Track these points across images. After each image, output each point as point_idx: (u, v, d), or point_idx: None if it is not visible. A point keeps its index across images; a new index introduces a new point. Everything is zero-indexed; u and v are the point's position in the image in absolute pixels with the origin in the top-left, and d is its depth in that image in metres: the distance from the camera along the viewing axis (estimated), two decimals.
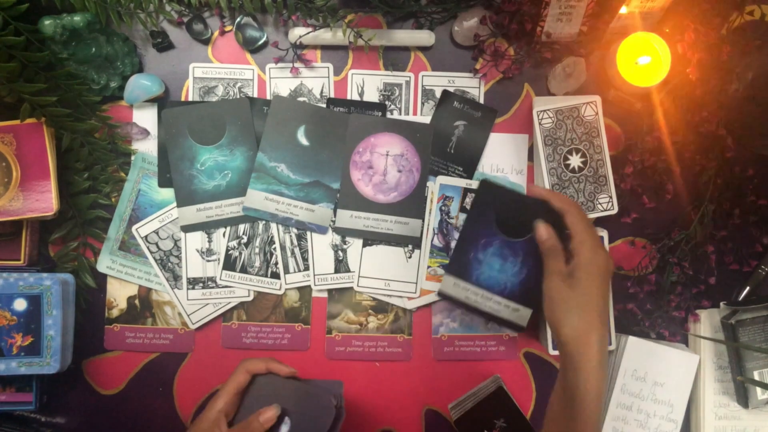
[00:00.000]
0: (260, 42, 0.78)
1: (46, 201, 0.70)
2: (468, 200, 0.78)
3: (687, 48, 0.75)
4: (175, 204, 0.77)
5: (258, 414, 0.63)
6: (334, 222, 0.78)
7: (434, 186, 0.78)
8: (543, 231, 0.65)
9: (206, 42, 0.79)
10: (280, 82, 0.79)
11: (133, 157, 0.78)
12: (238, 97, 0.78)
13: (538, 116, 0.76)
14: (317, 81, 0.79)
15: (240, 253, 0.78)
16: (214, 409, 0.63)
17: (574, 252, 0.61)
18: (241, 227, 0.78)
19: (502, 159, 0.80)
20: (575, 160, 0.76)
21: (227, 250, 0.77)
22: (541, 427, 0.65)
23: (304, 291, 0.79)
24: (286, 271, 0.78)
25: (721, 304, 0.79)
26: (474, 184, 0.78)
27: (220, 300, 0.78)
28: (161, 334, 0.78)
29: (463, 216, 0.78)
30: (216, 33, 0.79)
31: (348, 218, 0.78)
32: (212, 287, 0.77)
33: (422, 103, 0.80)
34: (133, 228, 0.77)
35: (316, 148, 0.77)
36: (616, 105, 0.80)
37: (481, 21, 0.77)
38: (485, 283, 0.69)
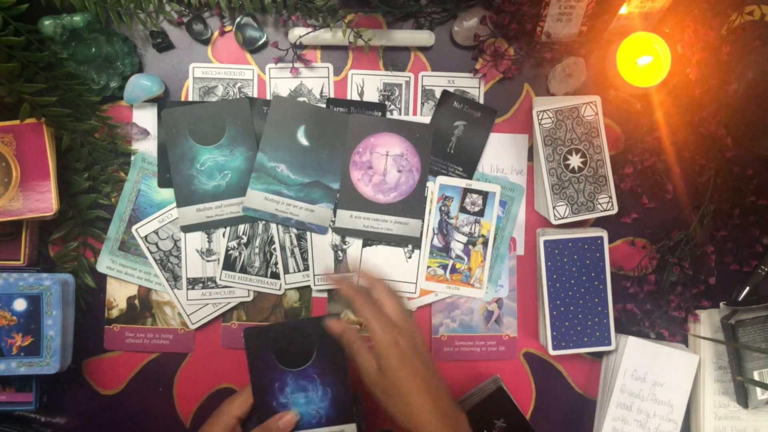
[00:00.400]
0: (260, 42, 0.78)
1: (46, 201, 0.70)
2: (468, 201, 0.78)
3: (687, 48, 0.75)
4: (174, 204, 0.77)
5: (277, 417, 0.63)
6: (334, 222, 0.78)
7: (434, 186, 0.78)
8: (335, 325, 0.63)
9: (206, 42, 0.79)
10: (280, 82, 0.79)
11: (133, 157, 0.78)
12: (238, 97, 0.78)
13: (537, 116, 0.76)
14: (317, 81, 0.79)
15: (240, 254, 0.78)
16: (230, 414, 0.63)
17: (372, 339, 0.60)
18: (241, 227, 0.78)
19: (502, 159, 0.80)
20: (575, 160, 0.76)
21: (227, 250, 0.77)
22: (541, 428, 0.65)
23: (304, 291, 0.79)
24: (286, 271, 0.78)
25: (721, 304, 0.79)
26: (474, 184, 0.78)
27: (220, 300, 0.78)
28: (161, 334, 0.78)
29: (463, 216, 0.78)
30: (216, 33, 0.79)
31: (348, 218, 0.78)
32: (212, 287, 0.77)
33: (422, 103, 0.80)
34: (133, 228, 0.77)
35: (316, 148, 0.77)
36: (616, 105, 0.80)
37: (481, 21, 0.77)
38: (300, 424, 0.65)
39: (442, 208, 0.78)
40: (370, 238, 0.78)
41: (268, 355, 0.65)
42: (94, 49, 0.73)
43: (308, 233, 0.78)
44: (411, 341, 0.61)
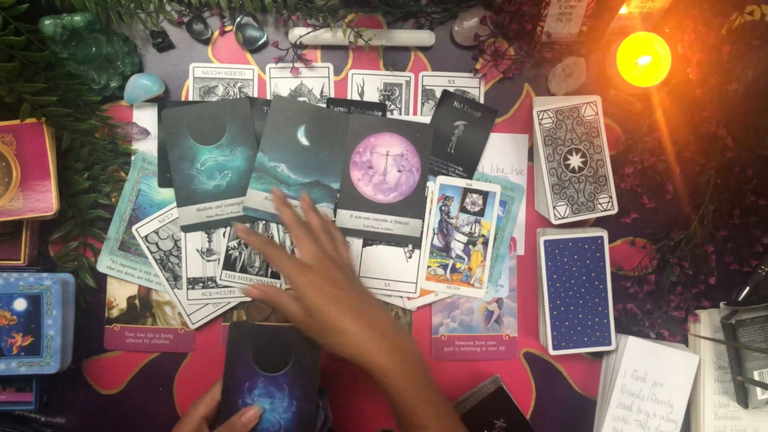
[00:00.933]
0: (260, 42, 0.78)
1: (46, 201, 0.70)
2: (468, 200, 0.79)
3: (687, 48, 0.75)
4: (175, 204, 0.77)
5: (240, 414, 0.63)
6: (334, 222, 0.78)
7: (434, 186, 0.78)
8: (252, 292, 0.64)
9: (206, 42, 0.79)
10: (280, 82, 0.79)
11: (133, 157, 0.78)
12: (238, 97, 0.78)
13: (538, 116, 0.76)
14: (317, 81, 0.79)
15: (240, 253, 0.78)
16: (195, 415, 0.63)
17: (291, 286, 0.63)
18: None
19: (502, 159, 0.80)
20: (575, 160, 0.76)
21: (227, 250, 0.77)
22: (541, 428, 0.65)
23: None
24: None
25: (721, 304, 0.79)
26: (474, 184, 0.78)
27: (220, 300, 0.78)
28: (161, 334, 0.78)
29: (463, 216, 0.78)
30: (216, 33, 0.79)
31: (348, 218, 0.78)
32: (212, 287, 0.77)
33: (422, 103, 0.80)
34: (133, 228, 0.77)
35: (316, 148, 0.77)
36: (616, 105, 0.80)
37: (481, 21, 0.77)
38: (259, 429, 0.65)
39: (443, 207, 0.78)
40: (370, 238, 0.78)
41: (246, 354, 0.65)
42: (94, 49, 0.73)
43: None
44: (327, 276, 0.62)
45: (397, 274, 0.78)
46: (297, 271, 0.62)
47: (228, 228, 0.77)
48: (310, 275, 0.61)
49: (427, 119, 0.79)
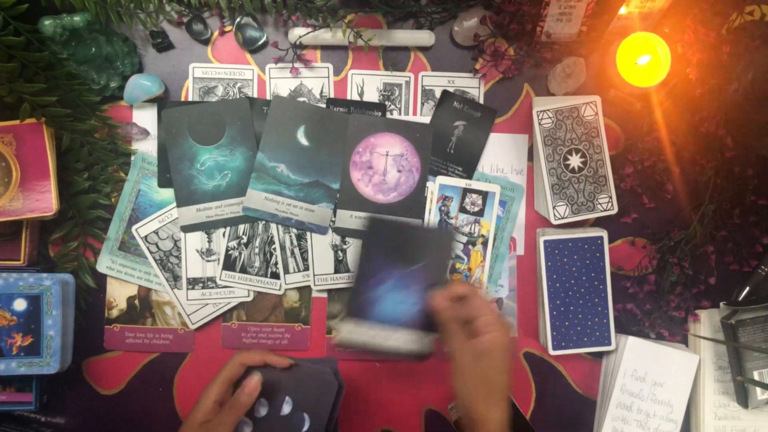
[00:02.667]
0: (260, 42, 0.78)
1: (46, 201, 0.70)
2: (467, 201, 0.78)
3: (687, 48, 0.75)
4: (174, 204, 0.77)
5: (242, 388, 0.63)
6: (334, 222, 0.78)
7: (434, 186, 0.78)
8: (439, 300, 0.62)
9: (206, 42, 0.79)
10: (279, 82, 0.79)
11: (133, 157, 0.78)
12: (238, 97, 0.78)
13: (537, 116, 0.76)
14: (317, 81, 0.79)
15: (240, 254, 0.78)
16: (208, 400, 0.63)
17: (480, 331, 0.60)
18: (241, 227, 0.78)
19: (502, 159, 0.80)
20: (575, 160, 0.76)
21: (227, 250, 0.77)
22: (541, 428, 0.65)
23: (304, 291, 0.79)
24: (286, 271, 0.78)
25: (721, 304, 0.79)
26: (474, 184, 0.78)
27: (220, 300, 0.78)
28: (161, 334, 0.78)
29: (462, 216, 0.78)
30: (216, 33, 0.79)
31: (348, 218, 0.78)
32: (212, 287, 0.77)
33: (422, 103, 0.80)
34: (133, 228, 0.77)
35: (316, 148, 0.77)
36: (616, 105, 0.80)
37: (481, 21, 0.77)
38: (385, 319, 0.65)
39: (442, 208, 0.78)
40: None
41: (381, 247, 0.66)
42: (94, 49, 0.73)
43: (308, 233, 0.78)
44: (511, 345, 0.62)
45: None
46: (504, 327, 0.61)
47: (227, 228, 0.78)
48: (508, 333, 0.61)
49: (426, 119, 0.79)
